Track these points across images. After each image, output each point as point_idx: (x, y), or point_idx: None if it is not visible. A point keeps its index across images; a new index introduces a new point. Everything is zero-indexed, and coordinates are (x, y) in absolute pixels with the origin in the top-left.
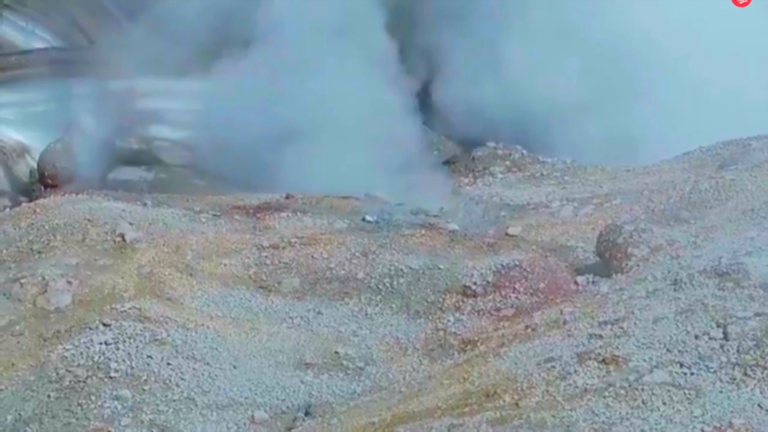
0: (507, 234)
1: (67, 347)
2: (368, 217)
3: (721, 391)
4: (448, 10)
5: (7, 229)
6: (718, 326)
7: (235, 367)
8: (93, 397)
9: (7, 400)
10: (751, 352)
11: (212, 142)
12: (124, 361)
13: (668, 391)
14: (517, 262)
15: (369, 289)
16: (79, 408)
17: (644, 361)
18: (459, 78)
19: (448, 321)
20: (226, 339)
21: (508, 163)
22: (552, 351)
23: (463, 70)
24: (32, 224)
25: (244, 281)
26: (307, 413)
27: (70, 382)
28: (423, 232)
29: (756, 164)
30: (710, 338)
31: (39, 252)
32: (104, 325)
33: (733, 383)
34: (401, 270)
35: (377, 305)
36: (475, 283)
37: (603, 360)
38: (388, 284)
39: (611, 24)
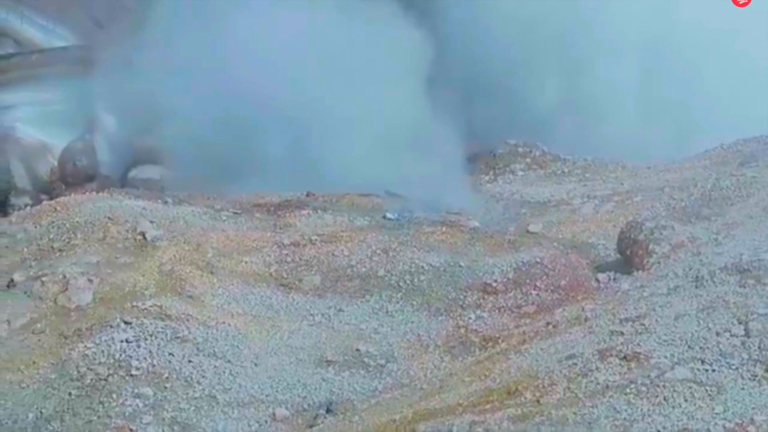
0: (528, 231)
1: (88, 345)
2: (389, 215)
3: (742, 388)
4: None
5: (28, 228)
6: (740, 323)
7: (256, 364)
8: (114, 395)
9: (28, 398)
10: None
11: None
12: (145, 358)
13: (690, 387)
14: (538, 259)
15: (390, 287)
16: (100, 406)
17: (665, 357)
18: None
19: (469, 318)
20: (247, 336)
21: (528, 160)
22: (573, 348)
23: None
24: (53, 222)
25: (265, 279)
26: (328, 410)
27: (91, 380)
28: (444, 229)
29: None
30: (731, 335)
31: (60, 250)
32: (125, 322)
33: (754, 380)
34: (422, 267)
35: (398, 302)
36: (496, 281)
37: (624, 357)
38: (408, 281)
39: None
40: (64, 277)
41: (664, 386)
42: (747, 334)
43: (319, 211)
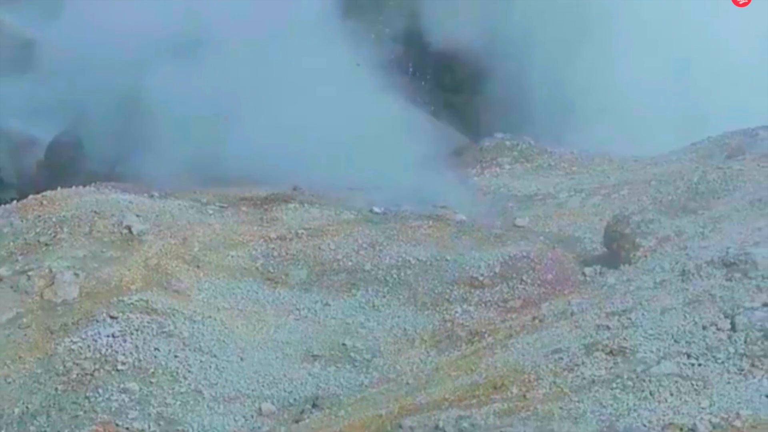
0: (514, 225)
1: (74, 340)
2: (376, 209)
3: (728, 382)
4: None
5: (14, 221)
6: (726, 317)
7: (242, 359)
8: (100, 390)
9: (14, 393)
10: (759, 342)
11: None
12: (131, 353)
13: (676, 382)
14: (524, 253)
15: (376, 281)
16: (86, 401)
17: (652, 352)
18: None
19: (456, 312)
20: (233, 331)
21: (515, 153)
22: (559, 342)
23: None
24: (39, 216)
25: (251, 273)
26: (314, 405)
27: (77, 374)
28: (430, 223)
29: (763, 154)
30: (718, 329)
31: (46, 244)
32: (111, 317)
33: (740, 374)
34: (408, 261)
35: (384, 297)
36: (482, 275)
37: (610, 351)
38: (395, 276)
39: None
40: (51, 271)
41: (650, 381)
42: (733, 328)
43: (306, 205)
